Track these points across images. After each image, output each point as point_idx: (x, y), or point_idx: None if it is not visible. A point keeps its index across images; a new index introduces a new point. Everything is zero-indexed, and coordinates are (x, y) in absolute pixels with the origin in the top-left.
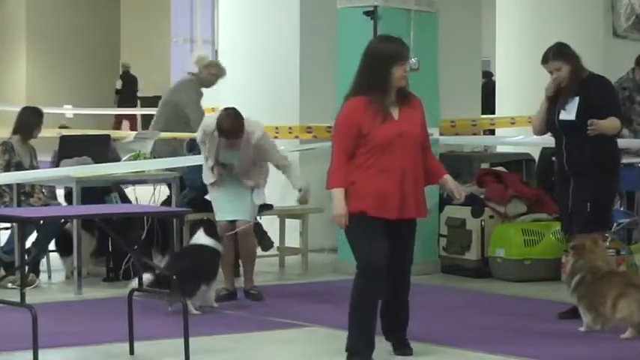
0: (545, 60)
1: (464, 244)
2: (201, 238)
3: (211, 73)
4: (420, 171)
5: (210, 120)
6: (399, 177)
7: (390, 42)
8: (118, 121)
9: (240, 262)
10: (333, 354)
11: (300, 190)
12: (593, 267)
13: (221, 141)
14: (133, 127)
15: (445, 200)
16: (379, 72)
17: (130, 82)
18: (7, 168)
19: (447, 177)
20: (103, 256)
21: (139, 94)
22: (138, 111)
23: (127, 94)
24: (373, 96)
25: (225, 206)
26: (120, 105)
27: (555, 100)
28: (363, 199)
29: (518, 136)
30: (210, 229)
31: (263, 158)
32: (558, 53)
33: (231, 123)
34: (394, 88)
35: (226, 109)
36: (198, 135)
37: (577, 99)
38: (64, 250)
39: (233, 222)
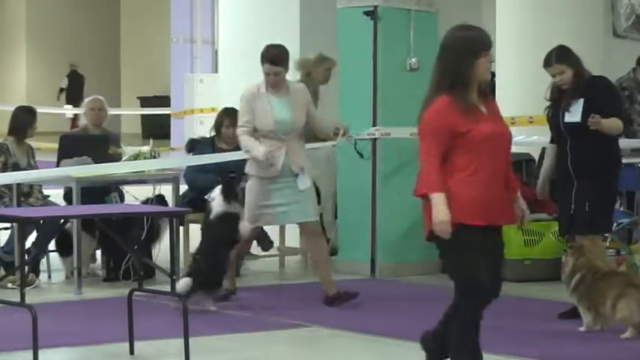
0: (549, 63)
1: None
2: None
3: (325, 68)
4: (508, 173)
5: (248, 87)
6: (496, 179)
7: (473, 30)
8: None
9: (242, 262)
10: (334, 354)
11: (336, 132)
12: (593, 267)
13: (267, 90)
14: (74, 126)
15: None
16: (463, 64)
17: (76, 81)
18: (4, 169)
19: (519, 196)
20: (102, 256)
21: (138, 95)
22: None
23: (74, 92)
24: (460, 92)
25: (284, 208)
26: (67, 103)
27: (558, 103)
28: (461, 206)
29: (519, 136)
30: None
31: (309, 115)
32: (561, 56)
33: (275, 49)
34: (477, 83)
35: (226, 109)
36: (241, 108)
37: (581, 101)
38: (64, 250)
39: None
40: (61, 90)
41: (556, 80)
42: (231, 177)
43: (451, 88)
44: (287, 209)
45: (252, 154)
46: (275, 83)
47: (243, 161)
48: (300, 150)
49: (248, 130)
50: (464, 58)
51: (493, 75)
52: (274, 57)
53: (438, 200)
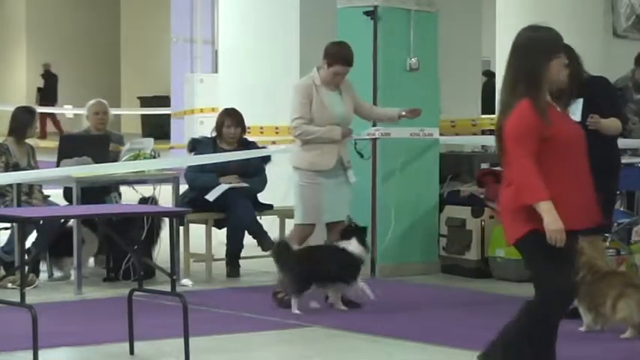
0: None
1: (464, 244)
2: (352, 244)
3: None
4: (589, 173)
5: (303, 80)
6: (582, 180)
7: (544, 30)
8: (42, 121)
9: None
10: (334, 354)
11: (402, 115)
12: (593, 267)
13: (323, 83)
14: (57, 126)
15: (445, 200)
16: (537, 66)
17: (50, 81)
18: (6, 170)
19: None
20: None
21: (138, 95)
22: (134, 111)
23: (49, 92)
24: (536, 95)
25: (327, 206)
26: (41, 103)
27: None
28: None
29: None
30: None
31: (359, 105)
32: None
33: (348, 49)
34: (551, 85)
35: (226, 109)
36: (295, 100)
37: (581, 101)
38: (57, 251)
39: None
40: (39, 90)
41: None
42: (364, 227)
43: (527, 91)
44: (332, 207)
45: (330, 135)
46: (340, 82)
47: (244, 161)
48: (347, 144)
49: (306, 122)
50: (537, 60)
51: (493, 75)
52: (349, 58)
53: (549, 208)
